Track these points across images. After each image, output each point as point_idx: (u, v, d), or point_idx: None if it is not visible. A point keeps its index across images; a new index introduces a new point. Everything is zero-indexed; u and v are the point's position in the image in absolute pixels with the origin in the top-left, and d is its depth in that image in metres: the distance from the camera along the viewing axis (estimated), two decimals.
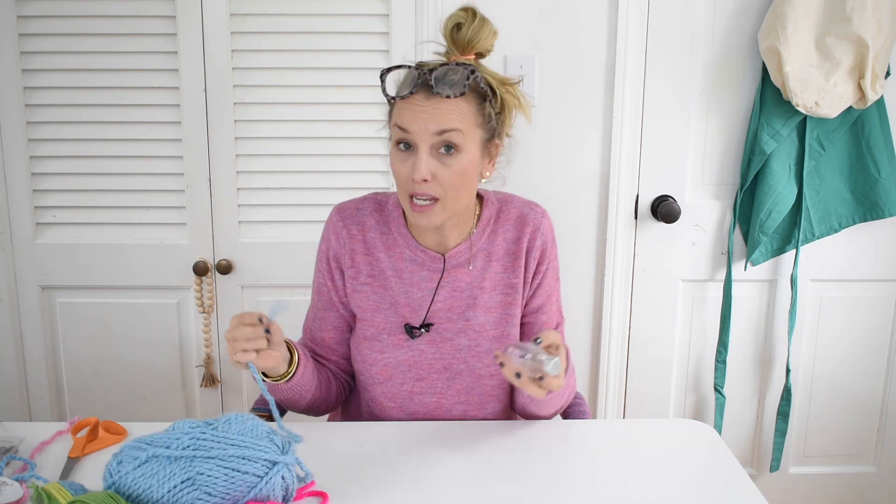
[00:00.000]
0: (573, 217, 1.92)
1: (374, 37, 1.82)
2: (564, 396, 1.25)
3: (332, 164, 1.88)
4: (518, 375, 1.06)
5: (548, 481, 1.08)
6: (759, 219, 1.89)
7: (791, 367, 2.01)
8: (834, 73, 1.77)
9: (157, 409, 2.00)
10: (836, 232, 1.94)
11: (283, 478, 0.97)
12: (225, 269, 1.91)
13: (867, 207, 1.92)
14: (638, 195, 1.93)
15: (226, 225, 1.91)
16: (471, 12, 1.16)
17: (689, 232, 1.96)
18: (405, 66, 1.17)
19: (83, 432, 1.17)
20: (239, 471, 0.94)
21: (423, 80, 1.12)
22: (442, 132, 1.13)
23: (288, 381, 1.19)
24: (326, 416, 1.41)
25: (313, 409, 1.31)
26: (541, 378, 1.05)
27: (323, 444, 1.16)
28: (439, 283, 1.26)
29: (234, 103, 1.84)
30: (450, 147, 1.14)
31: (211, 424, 1.00)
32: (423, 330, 1.27)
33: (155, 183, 1.89)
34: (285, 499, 0.98)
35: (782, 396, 2.03)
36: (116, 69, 1.82)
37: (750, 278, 1.99)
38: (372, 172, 1.89)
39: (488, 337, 1.27)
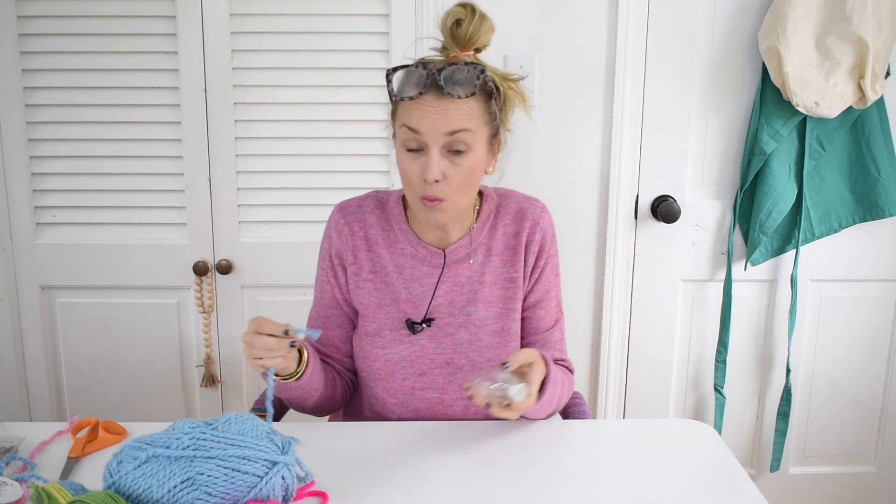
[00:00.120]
0: (573, 217, 1.92)
1: (374, 37, 1.82)
2: (553, 404, 1.24)
3: (332, 164, 1.88)
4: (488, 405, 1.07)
5: (548, 481, 1.08)
6: (759, 219, 1.89)
7: (791, 367, 2.01)
8: (834, 73, 1.77)
9: (157, 409, 2.00)
10: (836, 232, 1.94)
11: (283, 478, 0.97)
12: (225, 269, 1.91)
13: (867, 207, 1.92)
14: (638, 195, 1.93)
15: (226, 225, 1.91)
16: (469, 8, 1.16)
17: (689, 232, 1.96)
18: (411, 65, 1.15)
19: (83, 432, 1.17)
20: (239, 471, 0.94)
21: (433, 79, 1.12)
22: (453, 133, 1.13)
23: (298, 379, 1.19)
24: (327, 415, 1.41)
25: (319, 409, 1.31)
26: (509, 404, 1.07)
27: (323, 444, 1.16)
28: (440, 278, 1.27)
29: (234, 103, 1.84)
30: (460, 147, 1.14)
31: (211, 424, 1.00)
32: (424, 325, 1.27)
33: (155, 183, 1.89)
34: (285, 499, 0.98)
35: (782, 396, 2.03)
36: (116, 69, 1.82)
37: (750, 278, 1.99)
38: (372, 172, 1.89)
39: (489, 331, 1.28)
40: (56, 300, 1.95)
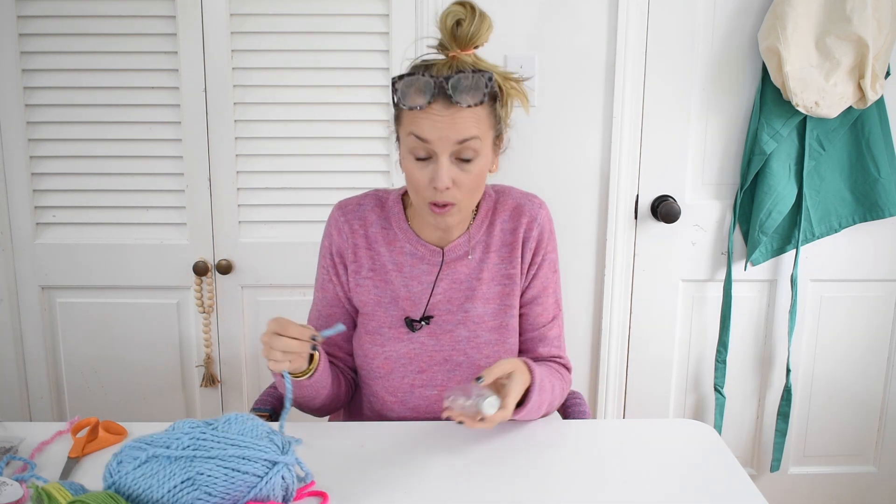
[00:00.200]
0: (573, 217, 1.92)
1: (374, 37, 1.82)
2: (543, 408, 1.23)
3: (332, 164, 1.88)
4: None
5: (548, 481, 1.08)
6: (759, 219, 1.89)
7: (791, 367, 2.01)
8: (834, 73, 1.77)
9: (157, 409, 2.00)
10: (836, 232, 1.94)
11: (283, 478, 0.97)
12: (225, 269, 1.91)
13: (867, 207, 1.92)
14: (638, 195, 1.93)
15: (226, 225, 1.91)
16: (469, 7, 1.15)
17: (689, 232, 1.96)
18: (416, 73, 1.13)
19: (83, 432, 1.17)
20: (239, 471, 0.94)
21: (440, 88, 1.11)
22: (462, 141, 1.13)
23: (310, 377, 1.19)
24: (328, 415, 1.41)
25: (324, 408, 1.31)
26: (483, 418, 1.07)
27: (323, 444, 1.16)
28: (438, 275, 1.27)
29: (234, 103, 1.84)
30: (468, 155, 1.14)
31: (211, 424, 1.00)
32: (423, 323, 1.27)
33: (155, 183, 1.89)
34: (285, 499, 0.98)
35: (782, 396, 2.03)
36: (116, 69, 1.82)
37: (750, 278, 1.99)
38: (372, 172, 1.89)
39: (487, 328, 1.28)
40: (56, 300, 1.95)
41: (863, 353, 2.05)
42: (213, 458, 0.94)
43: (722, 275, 1.98)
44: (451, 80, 1.11)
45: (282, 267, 1.93)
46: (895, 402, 2.08)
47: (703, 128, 1.91)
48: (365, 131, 1.86)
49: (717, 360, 2.01)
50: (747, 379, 2.06)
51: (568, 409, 1.42)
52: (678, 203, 1.90)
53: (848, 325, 2.03)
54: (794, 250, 1.94)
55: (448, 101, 1.11)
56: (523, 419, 1.20)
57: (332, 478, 1.07)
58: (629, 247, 1.96)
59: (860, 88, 1.79)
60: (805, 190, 1.89)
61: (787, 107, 1.82)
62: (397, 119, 1.19)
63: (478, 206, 1.30)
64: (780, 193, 1.87)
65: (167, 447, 0.95)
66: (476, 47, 1.19)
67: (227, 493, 0.93)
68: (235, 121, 1.85)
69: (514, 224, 1.29)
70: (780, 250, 1.96)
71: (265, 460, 0.96)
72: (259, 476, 0.96)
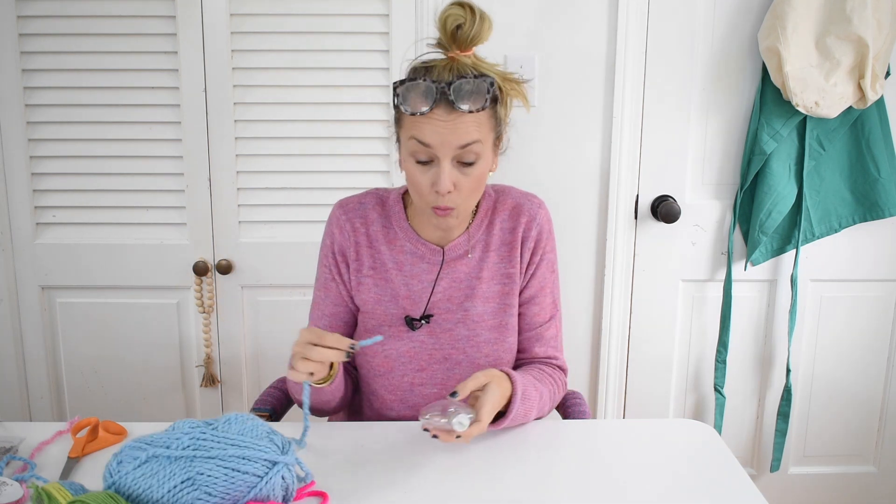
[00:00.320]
0: (573, 217, 1.92)
1: (374, 37, 1.82)
2: (532, 415, 1.23)
3: (332, 164, 1.88)
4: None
5: (548, 481, 1.08)
6: (759, 219, 1.89)
7: (791, 367, 2.01)
8: (834, 73, 1.77)
9: (157, 409, 2.00)
10: (836, 232, 1.94)
11: (283, 478, 0.97)
12: (225, 269, 1.91)
13: (867, 207, 1.92)
14: (638, 195, 1.93)
15: (226, 225, 1.91)
16: (468, 9, 1.14)
17: (689, 232, 1.96)
18: (417, 79, 1.13)
19: (83, 432, 1.17)
20: (239, 471, 0.94)
21: (442, 94, 1.11)
22: (465, 146, 1.13)
23: (331, 383, 1.19)
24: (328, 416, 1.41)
25: (335, 409, 1.32)
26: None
27: (323, 444, 1.16)
28: (438, 274, 1.27)
29: (234, 103, 1.84)
30: (470, 158, 1.15)
31: (211, 424, 1.00)
32: (423, 321, 1.28)
33: (155, 183, 1.89)
34: (285, 499, 0.98)
35: (782, 396, 2.03)
36: (116, 69, 1.82)
37: (750, 278, 1.99)
38: (372, 172, 1.89)
39: (486, 327, 1.28)
40: (56, 300, 1.95)
41: (863, 353, 2.05)
42: (213, 458, 0.94)
43: (722, 275, 1.98)
44: (454, 85, 1.11)
45: (282, 267, 1.93)
46: (895, 402, 2.08)
47: (703, 128, 1.91)
48: (365, 131, 1.86)
49: (717, 360, 2.01)
50: (747, 379, 2.06)
51: (568, 409, 1.42)
52: (678, 203, 1.90)
53: (848, 325, 2.03)
54: (794, 250, 1.94)
55: (450, 107, 1.11)
56: (511, 425, 1.20)
57: (332, 478, 1.07)
58: (629, 247, 1.96)
59: (860, 88, 1.79)
60: (805, 190, 1.89)
61: (787, 107, 1.82)
62: (398, 121, 1.19)
63: (477, 206, 1.30)
64: (780, 193, 1.87)
65: (167, 447, 0.95)
66: (476, 46, 1.19)
67: (227, 493, 0.93)
68: (235, 121, 1.85)
69: (513, 223, 1.29)
70: (780, 250, 1.96)
71: (265, 460, 0.96)
72: (259, 476, 0.96)
